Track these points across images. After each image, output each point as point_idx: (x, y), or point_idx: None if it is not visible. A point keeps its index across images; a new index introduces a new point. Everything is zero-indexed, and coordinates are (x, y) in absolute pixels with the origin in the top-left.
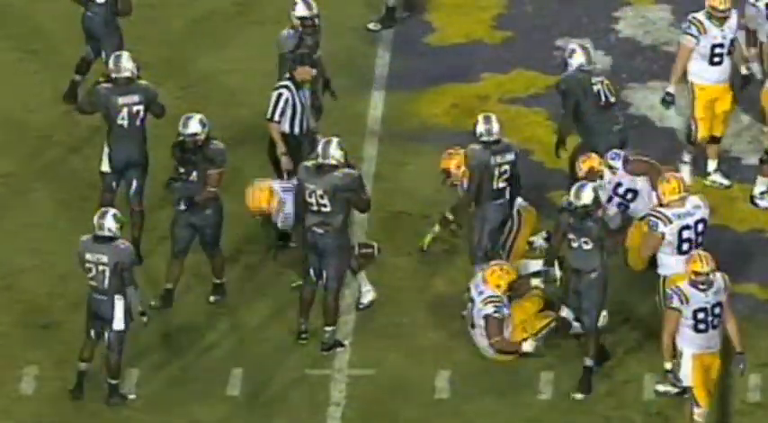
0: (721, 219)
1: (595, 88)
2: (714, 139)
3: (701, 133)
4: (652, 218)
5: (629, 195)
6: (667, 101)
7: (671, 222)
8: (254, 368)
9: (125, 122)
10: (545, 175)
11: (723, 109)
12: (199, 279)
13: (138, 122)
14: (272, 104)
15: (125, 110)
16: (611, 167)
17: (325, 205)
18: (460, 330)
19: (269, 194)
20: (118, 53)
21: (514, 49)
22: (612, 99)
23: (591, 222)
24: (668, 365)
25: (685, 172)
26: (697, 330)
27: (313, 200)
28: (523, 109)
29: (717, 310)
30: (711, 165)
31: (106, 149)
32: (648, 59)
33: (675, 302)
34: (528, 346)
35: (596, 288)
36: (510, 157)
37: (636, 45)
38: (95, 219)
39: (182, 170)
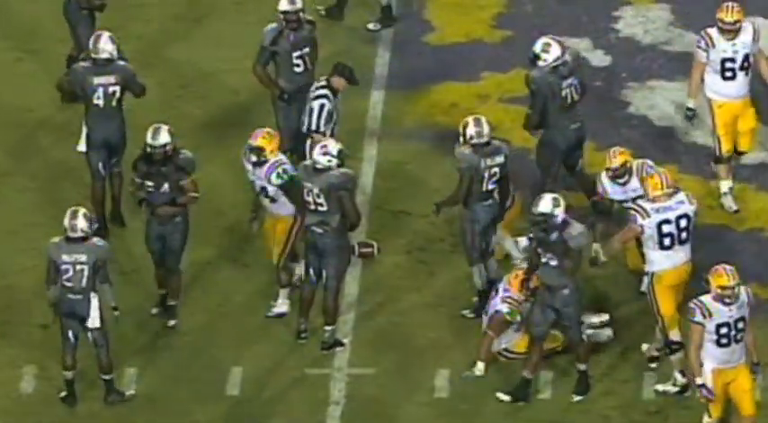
0: (721, 218)
1: (564, 92)
2: (737, 153)
3: (725, 146)
4: (632, 211)
5: None
6: (689, 116)
7: (649, 216)
8: (254, 367)
9: (101, 102)
10: None
11: (749, 126)
12: (198, 277)
13: (114, 103)
14: (315, 115)
15: (100, 90)
16: (643, 179)
17: (321, 204)
18: (460, 330)
19: (276, 145)
20: (98, 33)
21: (514, 48)
22: (577, 98)
23: (555, 237)
24: (699, 380)
25: (729, 201)
26: (719, 345)
27: (310, 199)
28: (523, 108)
29: (740, 325)
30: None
31: (84, 129)
32: (648, 59)
33: (698, 317)
34: (479, 366)
35: (572, 305)
36: (500, 159)
37: (636, 44)
38: (67, 220)
39: (149, 184)
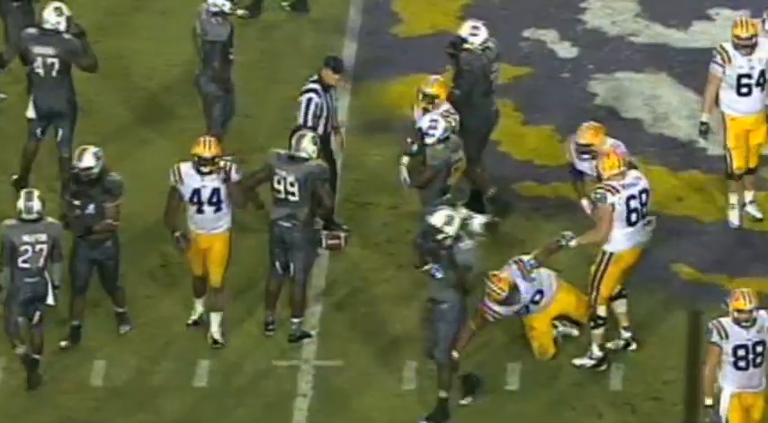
0: (687, 209)
1: (492, 76)
2: (749, 170)
3: (737, 163)
4: (599, 191)
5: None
6: (702, 131)
7: (618, 192)
8: (222, 359)
9: (41, 71)
10: (512, 167)
11: (756, 141)
12: (164, 270)
13: (54, 74)
14: (302, 111)
15: (39, 59)
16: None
17: (293, 194)
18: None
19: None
20: (48, 4)
21: None
22: (496, 84)
23: (442, 250)
24: (708, 401)
25: (734, 216)
26: (737, 367)
27: (281, 187)
28: None
29: (759, 349)
30: (747, 196)
31: (31, 97)
32: (615, 50)
33: (715, 337)
34: (454, 356)
35: (445, 321)
36: (461, 152)
37: (602, 36)
38: (22, 202)
39: (76, 203)
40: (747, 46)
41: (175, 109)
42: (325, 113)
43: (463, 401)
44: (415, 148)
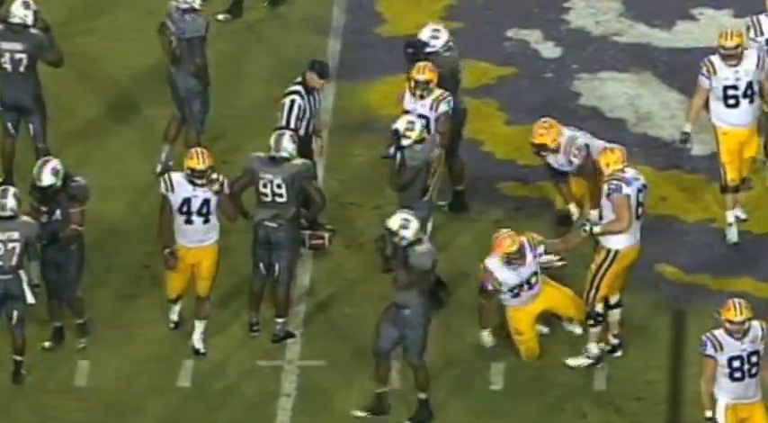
0: (671, 208)
1: (459, 76)
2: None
3: (730, 175)
4: (613, 182)
5: None
6: (683, 140)
7: (631, 184)
8: (206, 360)
9: (8, 67)
10: (495, 166)
11: (749, 154)
12: (148, 271)
13: (22, 69)
14: (285, 112)
15: (7, 55)
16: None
17: (280, 195)
18: None
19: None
20: None
21: (465, 40)
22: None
23: (399, 253)
24: (708, 414)
25: (732, 234)
26: (733, 379)
27: (268, 190)
28: (474, 100)
29: (754, 359)
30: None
31: None
32: (599, 50)
33: (709, 350)
34: (485, 335)
35: (410, 327)
36: (437, 151)
37: (586, 36)
38: None
39: (44, 209)
40: (733, 56)
41: (161, 109)
42: (307, 116)
43: (358, 412)
44: (392, 150)
